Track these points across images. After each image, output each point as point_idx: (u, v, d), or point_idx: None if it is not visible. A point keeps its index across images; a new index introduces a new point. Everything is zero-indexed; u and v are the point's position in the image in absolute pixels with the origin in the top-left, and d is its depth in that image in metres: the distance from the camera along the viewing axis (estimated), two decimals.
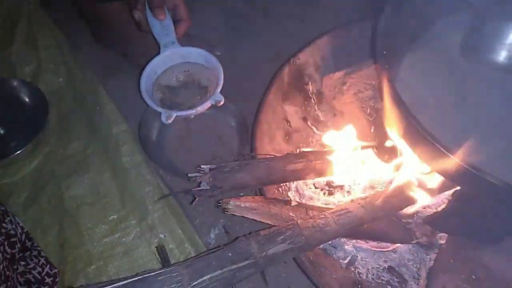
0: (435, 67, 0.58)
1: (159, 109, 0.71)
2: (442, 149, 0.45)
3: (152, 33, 0.73)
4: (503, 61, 0.59)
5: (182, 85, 0.77)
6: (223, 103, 0.73)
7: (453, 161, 0.45)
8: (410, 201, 0.64)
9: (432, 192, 0.66)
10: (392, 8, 0.57)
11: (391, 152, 0.70)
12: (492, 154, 0.50)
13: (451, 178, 0.50)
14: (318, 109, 0.87)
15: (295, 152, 0.82)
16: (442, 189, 0.65)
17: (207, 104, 0.72)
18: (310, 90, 0.87)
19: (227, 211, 0.61)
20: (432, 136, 0.46)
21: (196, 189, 0.62)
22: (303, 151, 0.72)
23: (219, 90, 0.73)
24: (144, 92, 0.72)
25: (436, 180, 0.63)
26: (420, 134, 0.46)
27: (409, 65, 0.58)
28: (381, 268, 0.71)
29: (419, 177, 0.65)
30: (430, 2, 0.60)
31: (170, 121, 0.71)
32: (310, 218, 0.58)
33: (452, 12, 0.63)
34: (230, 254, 0.52)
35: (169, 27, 0.73)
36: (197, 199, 0.63)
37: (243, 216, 0.61)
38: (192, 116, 0.75)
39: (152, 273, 0.51)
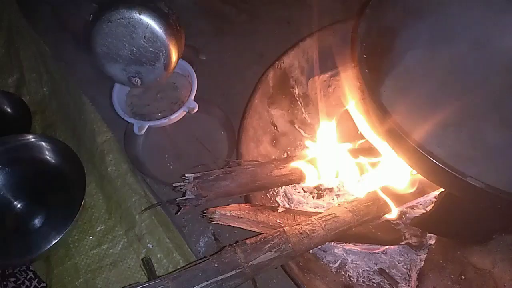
0: (417, 69, 0.58)
1: (131, 120, 0.70)
2: (423, 152, 0.45)
3: None
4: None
5: (156, 93, 0.76)
6: (210, 108, 0.72)
7: (434, 164, 0.45)
8: (394, 204, 0.64)
9: (418, 193, 0.66)
10: (373, 10, 0.57)
11: (371, 153, 0.71)
12: (474, 156, 0.50)
13: (433, 180, 0.50)
14: (305, 111, 0.87)
15: (283, 156, 0.82)
16: (428, 189, 0.65)
17: (181, 112, 0.71)
18: (297, 93, 0.87)
19: (213, 221, 0.60)
20: (412, 140, 0.45)
21: (180, 198, 0.62)
22: (288, 156, 0.72)
23: (192, 98, 0.72)
24: (116, 103, 0.72)
25: (420, 181, 0.63)
26: (401, 138, 0.46)
27: (391, 68, 0.57)
28: (372, 270, 0.71)
29: (401, 180, 0.65)
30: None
31: (143, 132, 0.70)
32: (297, 224, 0.57)
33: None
34: (216, 265, 0.51)
35: None
36: (182, 208, 0.62)
37: (229, 225, 0.60)
38: (167, 125, 0.74)
39: (138, 286, 0.51)
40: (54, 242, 0.66)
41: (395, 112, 0.49)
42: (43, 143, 0.74)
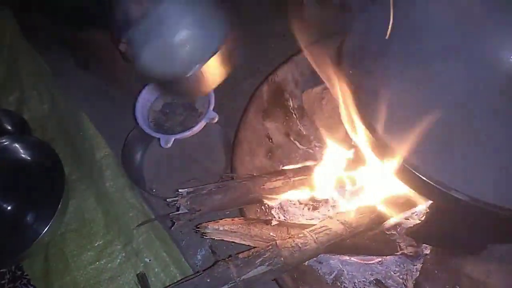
0: (405, 83, 0.59)
1: (158, 135, 0.73)
2: (406, 165, 0.46)
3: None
4: None
5: (174, 108, 0.78)
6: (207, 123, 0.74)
7: (417, 177, 0.46)
8: (387, 215, 0.64)
9: (410, 203, 0.66)
10: (360, 26, 0.58)
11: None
12: (460, 168, 0.51)
13: (420, 193, 0.51)
14: (300, 123, 0.88)
15: (279, 168, 0.83)
16: (420, 199, 0.66)
17: (202, 123, 0.74)
18: (291, 105, 0.88)
19: (206, 236, 0.61)
20: (397, 152, 0.46)
21: (174, 213, 0.63)
22: (281, 169, 0.72)
23: (212, 108, 0.75)
24: (140, 120, 0.74)
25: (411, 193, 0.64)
26: (386, 151, 0.47)
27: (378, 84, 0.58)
28: (368, 281, 0.71)
29: (394, 190, 0.65)
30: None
31: (169, 145, 0.72)
32: (289, 237, 0.58)
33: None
34: (208, 280, 0.52)
35: None
36: (176, 223, 0.63)
37: (222, 240, 0.61)
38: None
39: None
40: (42, 233, 0.69)
41: (379, 124, 0.50)
42: (17, 144, 0.78)
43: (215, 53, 0.62)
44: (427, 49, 0.59)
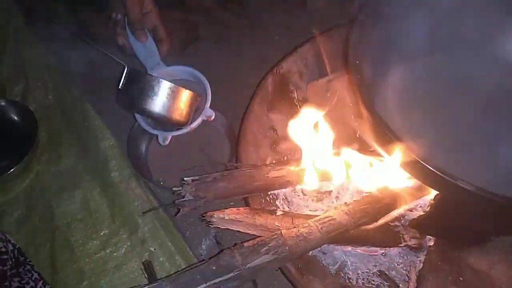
0: (411, 76, 0.59)
1: (155, 132, 0.73)
2: (414, 156, 0.46)
3: (136, 56, 0.75)
4: None
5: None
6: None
7: (425, 167, 0.46)
8: (392, 206, 0.65)
9: (415, 195, 0.67)
10: (366, 17, 0.58)
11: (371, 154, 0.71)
12: (466, 159, 0.51)
13: (427, 183, 0.51)
14: None
15: (283, 159, 0.83)
16: (425, 191, 0.66)
17: (199, 121, 0.74)
18: (296, 97, 0.88)
19: (211, 225, 0.61)
20: (404, 143, 0.46)
21: (179, 200, 0.64)
22: (286, 159, 0.73)
23: (208, 105, 0.75)
24: (138, 116, 0.74)
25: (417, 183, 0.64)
26: (393, 142, 0.47)
27: (385, 75, 0.58)
28: (371, 272, 0.71)
29: (400, 181, 0.66)
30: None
31: (167, 142, 0.73)
32: (294, 227, 0.58)
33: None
34: (214, 268, 0.53)
35: (153, 49, 0.75)
36: (181, 210, 0.64)
37: (227, 229, 0.62)
38: None
39: None
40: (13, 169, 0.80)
41: (387, 117, 0.50)
42: (4, 104, 0.89)
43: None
44: (435, 42, 0.59)
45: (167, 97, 0.69)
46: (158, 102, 0.69)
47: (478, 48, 0.63)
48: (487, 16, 0.63)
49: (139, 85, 0.69)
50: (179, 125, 0.74)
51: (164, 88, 0.69)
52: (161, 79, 0.69)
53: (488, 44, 0.64)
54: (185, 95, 0.71)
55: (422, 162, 0.46)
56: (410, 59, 0.62)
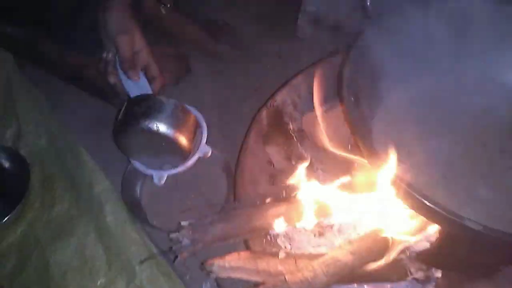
0: (407, 106, 0.58)
1: (150, 172, 0.71)
2: (417, 195, 0.45)
3: (128, 95, 0.74)
4: None
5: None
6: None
7: (429, 207, 0.44)
8: (397, 241, 0.63)
9: (419, 227, 0.65)
10: (359, 53, 0.57)
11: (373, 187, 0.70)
12: (468, 197, 0.49)
13: (432, 221, 0.49)
14: (301, 146, 0.87)
15: (282, 193, 0.81)
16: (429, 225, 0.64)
17: (195, 158, 0.72)
18: (291, 129, 0.87)
19: (212, 274, 0.59)
20: (405, 182, 0.45)
21: (176, 246, 0.62)
22: (283, 197, 0.71)
23: (204, 142, 0.74)
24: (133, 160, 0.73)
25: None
26: (394, 181, 0.46)
27: (380, 105, 0.57)
28: None
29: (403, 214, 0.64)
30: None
31: (163, 182, 0.71)
32: (298, 271, 0.56)
33: None
34: None
35: (145, 87, 0.74)
36: (178, 257, 0.62)
37: (229, 277, 0.59)
38: None
39: None
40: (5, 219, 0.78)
41: (385, 151, 0.49)
42: None
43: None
44: (428, 72, 0.58)
45: (175, 116, 0.66)
46: (166, 121, 0.66)
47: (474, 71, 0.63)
48: (477, 41, 0.63)
49: (147, 103, 0.67)
50: (182, 152, 0.69)
51: (173, 106, 0.67)
52: (169, 99, 0.67)
53: (478, 68, 0.63)
54: (193, 118, 0.69)
55: (426, 202, 0.45)
56: (404, 88, 0.62)
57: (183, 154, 0.69)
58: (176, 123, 0.66)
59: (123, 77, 0.74)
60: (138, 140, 0.69)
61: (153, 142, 0.68)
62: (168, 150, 0.69)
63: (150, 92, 0.75)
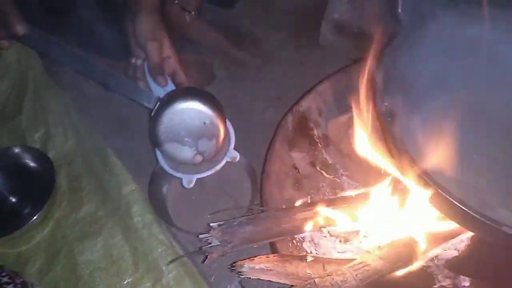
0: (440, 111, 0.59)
1: (179, 175, 0.72)
2: (455, 202, 0.45)
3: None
4: None
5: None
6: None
7: (466, 213, 0.44)
8: (425, 248, 0.63)
9: (448, 234, 0.65)
10: (391, 60, 0.58)
11: (403, 194, 0.70)
12: (505, 202, 0.49)
13: (466, 228, 0.49)
14: (326, 153, 0.87)
15: (307, 198, 0.82)
16: (458, 232, 0.64)
17: (223, 162, 0.73)
18: (316, 135, 0.87)
19: (242, 275, 0.59)
20: (445, 190, 0.45)
21: (206, 246, 0.62)
22: (312, 201, 0.72)
23: (232, 147, 0.75)
24: (161, 160, 0.74)
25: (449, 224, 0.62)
26: (432, 187, 0.46)
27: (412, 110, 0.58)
28: None
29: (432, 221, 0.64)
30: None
31: (192, 185, 0.72)
32: (328, 275, 0.56)
33: None
34: None
35: None
36: (208, 257, 0.62)
37: (258, 279, 0.60)
38: None
39: None
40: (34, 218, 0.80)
41: (420, 157, 0.50)
42: (21, 150, 0.90)
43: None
44: (462, 81, 0.58)
45: (213, 102, 0.69)
46: (206, 102, 0.67)
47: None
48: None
49: (187, 89, 0.70)
50: (218, 137, 0.69)
51: (211, 95, 0.69)
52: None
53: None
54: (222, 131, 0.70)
55: (462, 207, 0.45)
56: (437, 97, 0.62)
57: (218, 140, 0.69)
58: (215, 107, 0.68)
59: (151, 83, 0.76)
60: (176, 121, 0.67)
61: (191, 123, 0.67)
62: (205, 133, 0.68)
63: None
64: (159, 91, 0.77)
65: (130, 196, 0.82)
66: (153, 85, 0.76)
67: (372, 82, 0.56)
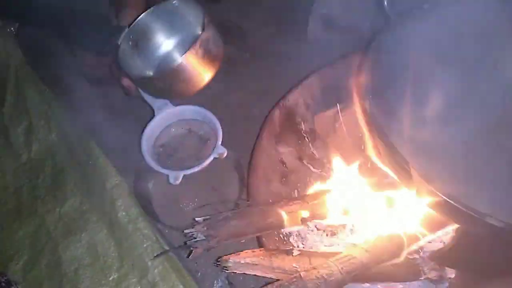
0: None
1: (166, 171, 0.72)
2: (440, 194, 0.45)
3: (142, 97, 0.74)
4: None
5: (181, 142, 0.77)
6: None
7: (448, 203, 0.44)
8: (411, 241, 0.63)
9: (432, 227, 0.65)
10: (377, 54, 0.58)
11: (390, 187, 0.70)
12: (489, 194, 0.49)
13: (450, 219, 0.50)
14: (313, 147, 0.87)
15: (293, 193, 0.82)
16: (443, 224, 0.64)
17: (211, 159, 0.73)
18: (303, 129, 0.87)
19: (227, 269, 0.59)
20: (429, 181, 0.45)
21: (191, 241, 0.62)
22: (299, 195, 0.72)
23: (220, 143, 0.74)
24: (147, 156, 0.73)
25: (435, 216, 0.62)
26: (410, 176, 0.46)
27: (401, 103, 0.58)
28: None
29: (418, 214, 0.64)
30: None
31: (178, 182, 0.71)
32: (314, 268, 0.56)
33: None
34: None
35: None
36: (193, 252, 0.62)
37: (244, 273, 0.59)
38: None
39: None
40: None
41: (405, 149, 0.50)
42: None
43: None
44: (450, 72, 0.59)
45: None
46: None
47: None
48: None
49: None
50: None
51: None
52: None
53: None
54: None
55: (447, 199, 0.45)
56: (425, 89, 0.62)
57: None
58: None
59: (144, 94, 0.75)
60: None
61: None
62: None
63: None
64: (152, 100, 0.76)
65: (115, 190, 0.80)
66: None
67: (358, 77, 0.56)
